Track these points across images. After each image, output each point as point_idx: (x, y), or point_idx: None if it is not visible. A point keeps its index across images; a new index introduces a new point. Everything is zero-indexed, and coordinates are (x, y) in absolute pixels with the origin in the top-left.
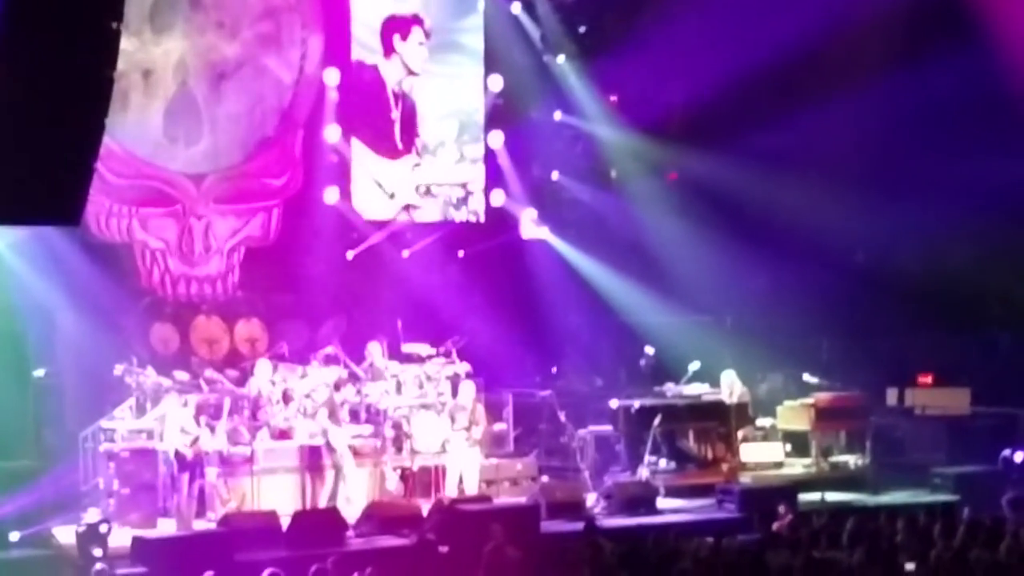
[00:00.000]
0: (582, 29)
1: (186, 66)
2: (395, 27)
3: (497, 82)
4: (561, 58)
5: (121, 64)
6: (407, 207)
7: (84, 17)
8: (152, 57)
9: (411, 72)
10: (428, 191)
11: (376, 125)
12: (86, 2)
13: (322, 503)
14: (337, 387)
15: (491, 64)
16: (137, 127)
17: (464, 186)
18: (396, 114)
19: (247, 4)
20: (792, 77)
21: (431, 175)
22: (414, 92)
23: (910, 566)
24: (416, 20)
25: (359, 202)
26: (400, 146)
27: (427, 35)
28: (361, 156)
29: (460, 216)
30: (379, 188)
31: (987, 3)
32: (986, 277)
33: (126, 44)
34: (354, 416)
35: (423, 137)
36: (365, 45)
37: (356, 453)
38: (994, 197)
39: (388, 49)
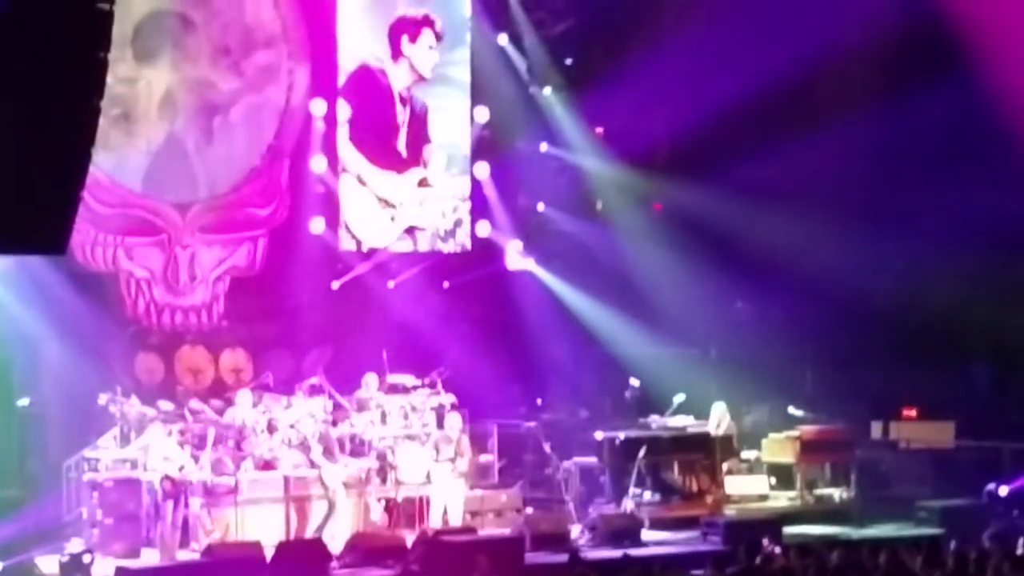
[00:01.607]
0: (568, 61)
1: (173, 96)
2: (404, 29)
3: (483, 113)
4: (547, 90)
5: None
6: (410, 230)
7: (71, 47)
8: (138, 86)
9: (421, 77)
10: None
11: (381, 134)
12: (73, 31)
13: (308, 534)
14: (335, 423)
15: (477, 95)
16: (123, 157)
17: (452, 217)
18: (403, 119)
19: (235, 35)
20: (777, 109)
21: (424, 202)
22: (418, 99)
23: None
24: (427, 22)
25: (359, 229)
26: (405, 155)
27: (438, 37)
28: (363, 169)
29: (448, 247)
30: (382, 209)
31: (973, 36)
32: (970, 310)
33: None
34: (339, 447)
35: (423, 152)
36: (371, 49)
37: (341, 484)
38: (978, 230)
39: (396, 52)
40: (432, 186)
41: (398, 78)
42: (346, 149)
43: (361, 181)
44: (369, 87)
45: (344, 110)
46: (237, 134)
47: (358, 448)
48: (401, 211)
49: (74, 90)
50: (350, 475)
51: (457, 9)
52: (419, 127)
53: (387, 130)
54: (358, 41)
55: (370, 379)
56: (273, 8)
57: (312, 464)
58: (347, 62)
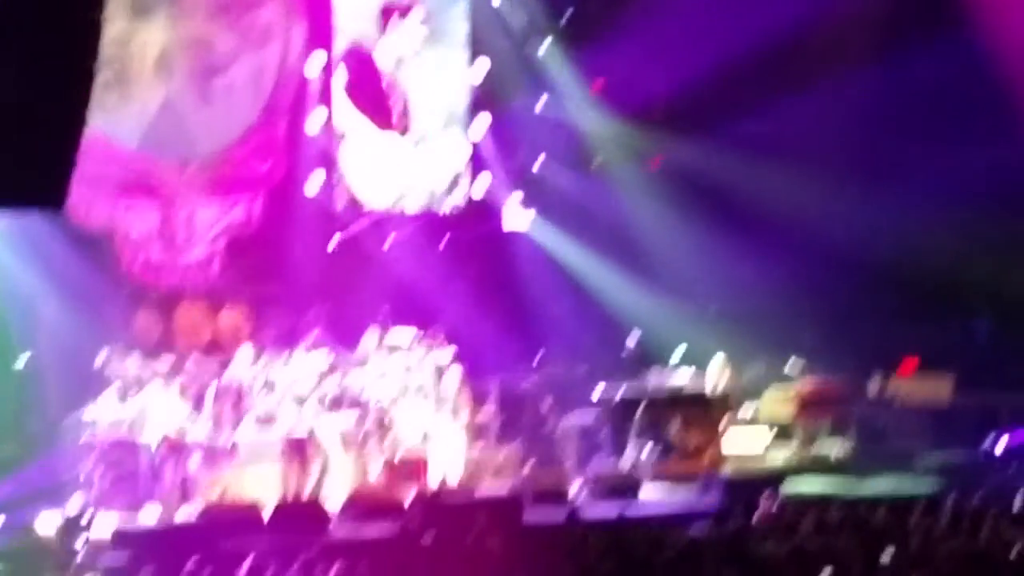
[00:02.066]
0: (567, 14)
1: (169, 54)
2: (391, 12)
3: (480, 69)
4: (544, 45)
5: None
6: (408, 188)
7: (67, 7)
8: (135, 44)
9: (406, 57)
10: (419, 180)
11: (376, 100)
12: None
13: (305, 493)
14: (324, 376)
15: (474, 51)
16: (120, 115)
17: (450, 175)
18: (393, 96)
19: None
20: (776, 65)
21: (421, 163)
22: (405, 79)
23: (892, 553)
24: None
25: (357, 188)
26: (401, 120)
27: (424, 19)
28: (363, 130)
29: (445, 206)
30: (382, 165)
31: None
32: (967, 264)
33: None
34: (337, 405)
35: (411, 125)
36: (358, 29)
37: (340, 442)
38: (976, 185)
39: (383, 31)
40: (429, 144)
41: (386, 57)
42: (344, 110)
43: (360, 140)
44: (361, 62)
45: (341, 77)
46: (234, 92)
47: (356, 405)
48: (399, 166)
49: (71, 49)
50: (347, 433)
51: None
52: (412, 87)
53: (382, 98)
54: (350, 17)
55: (369, 336)
56: None
57: (310, 421)
58: (340, 36)
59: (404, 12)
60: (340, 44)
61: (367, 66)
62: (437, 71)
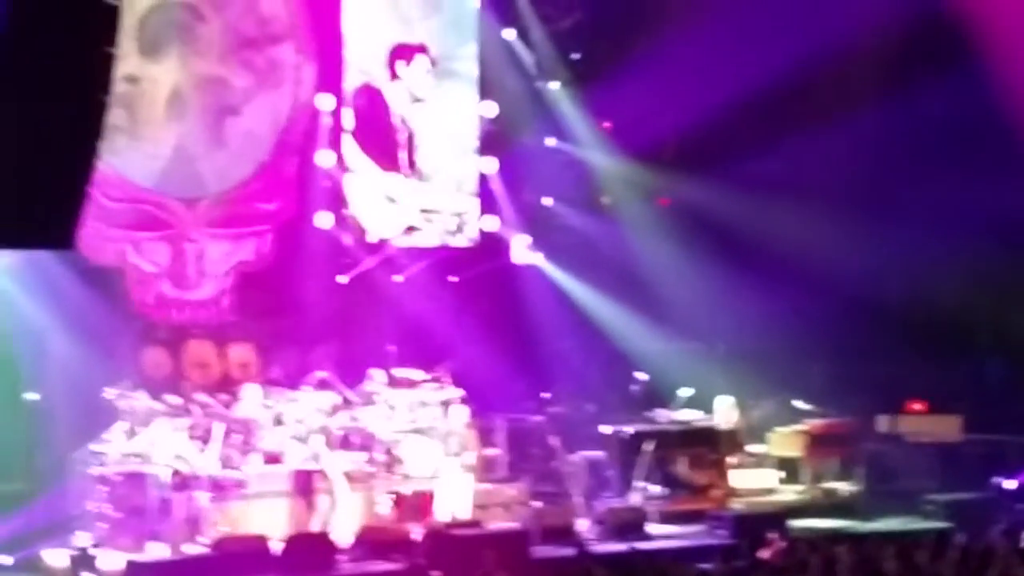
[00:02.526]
0: (576, 56)
1: (180, 91)
2: (400, 55)
3: (491, 108)
4: (555, 84)
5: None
6: (411, 229)
7: (79, 41)
8: (146, 81)
9: (416, 99)
10: (428, 218)
11: (382, 146)
12: (81, 27)
13: (314, 528)
14: (332, 413)
15: (485, 90)
16: (131, 152)
17: (460, 213)
18: (402, 137)
19: (242, 31)
20: (784, 104)
21: (430, 201)
22: (414, 119)
23: None
24: (421, 48)
25: (365, 221)
26: (408, 165)
27: (433, 63)
28: (369, 171)
29: (455, 242)
30: (389, 203)
31: (978, 30)
32: (977, 304)
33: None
34: (346, 441)
35: (419, 164)
36: (367, 70)
37: (348, 478)
38: (985, 224)
39: (392, 75)
40: (439, 182)
41: (396, 98)
42: (351, 152)
43: (369, 178)
44: (370, 103)
45: (349, 119)
46: (245, 131)
47: (365, 442)
48: (405, 205)
49: (82, 85)
50: (356, 469)
51: (463, 2)
52: (423, 127)
53: (391, 138)
54: (360, 58)
55: (376, 373)
56: (282, 5)
57: (316, 458)
58: (351, 77)
59: (415, 52)
60: (350, 83)
61: (377, 106)
62: (447, 110)
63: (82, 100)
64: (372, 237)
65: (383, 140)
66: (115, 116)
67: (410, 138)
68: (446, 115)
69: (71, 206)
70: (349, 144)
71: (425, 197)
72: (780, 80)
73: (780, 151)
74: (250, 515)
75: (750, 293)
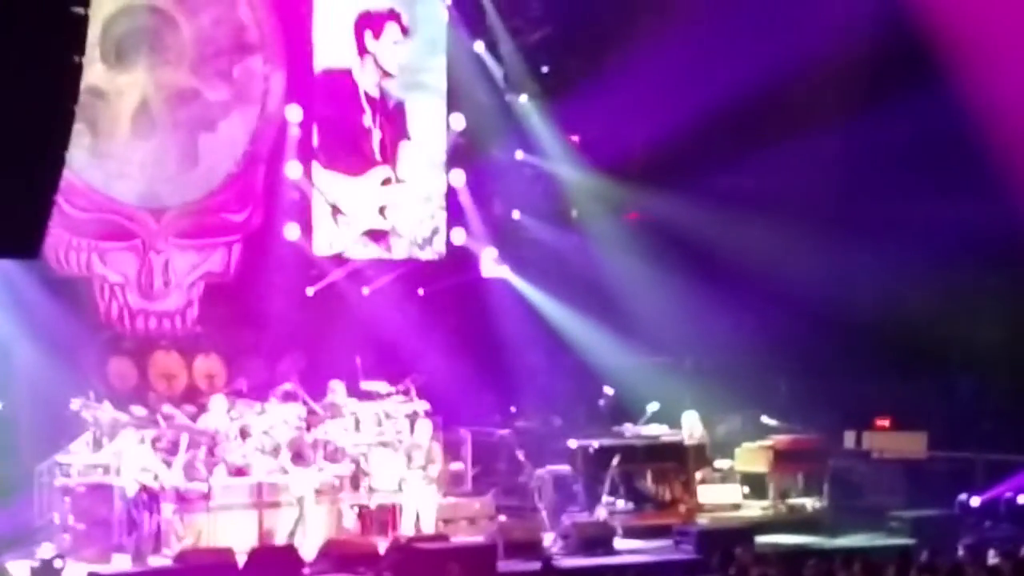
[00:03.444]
0: (545, 69)
1: (148, 100)
2: (367, 24)
3: (459, 121)
4: (523, 97)
5: (81, 97)
6: (382, 236)
7: (46, 50)
8: (113, 90)
9: (386, 73)
10: (396, 225)
11: (349, 139)
12: (48, 34)
13: (279, 541)
14: (308, 429)
15: (453, 102)
16: (98, 161)
17: (428, 218)
18: (370, 119)
19: (211, 41)
20: (753, 119)
21: (400, 200)
22: (385, 131)
23: None
24: (391, 15)
25: (316, 235)
26: (378, 157)
27: (404, 31)
28: (321, 181)
29: (423, 255)
30: (333, 220)
31: (948, 46)
32: (945, 321)
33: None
34: (311, 454)
35: (388, 160)
36: (334, 49)
37: (314, 491)
38: (954, 240)
39: (361, 49)
40: (407, 194)
41: (364, 77)
42: (321, 159)
43: (337, 189)
44: (334, 91)
45: (318, 126)
46: (213, 141)
47: (331, 455)
48: (377, 219)
49: (49, 94)
50: (322, 481)
51: (433, 14)
52: (394, 125)
53: (355, 134)
54: (325, 45)
55: (337, 385)
56: (250, 13)
57: (284, 470)
58: (319, 86)
59: (384, 21)
60: (319, 90)
61: (345, 116)
62: (416, 122)
63: (49, 109)
64: (341, 251)
65: (347, 133)
66: (81, 125)
67: (385, 117)
68: (415, 128)
69: (37, 215)
70: (319, 152)
71: (395, 208)
72: (750, 95)
73: (749, 166)
74: (215, 527)
75: (718, 308)
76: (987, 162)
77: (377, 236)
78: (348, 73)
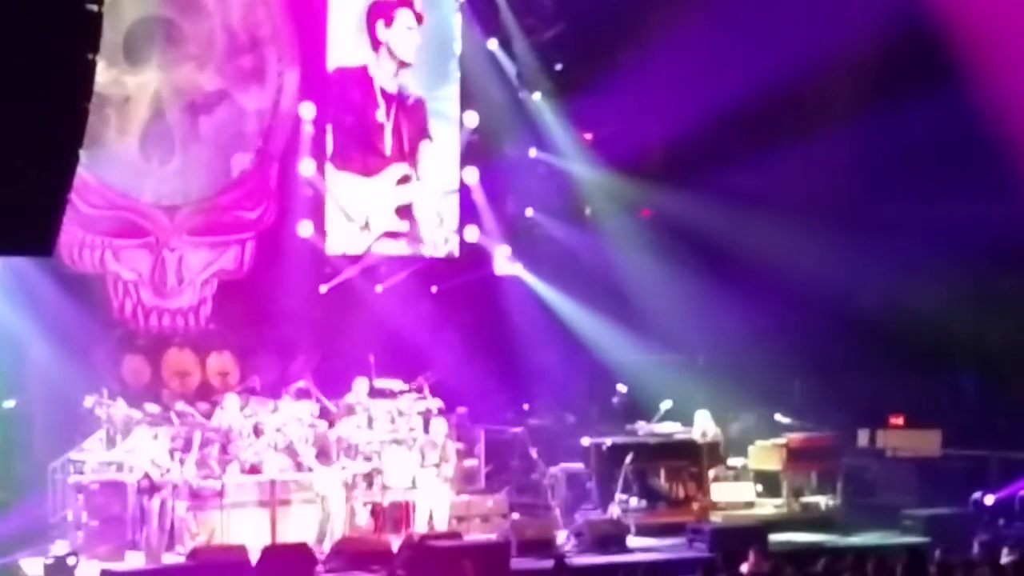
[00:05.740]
0: (558, 67)
1: (161, 99)
2: (379, 13)
3: (473, 118)
4: (537, 95)
5: (96, 95)
6: (387, 234)
7: (60, 47)
8: (127, 89)
9: (403, 63)
10: (410, 224)
11: (360, 135)
12: (62, 32)
13: (292, 538)
14: (331, 424)
15: (467, 100)
16: (111, 158)
17: (441, 222)
18: (383, 114)
19: (225, 38)
20: (766, 118)
21: (418, 193)
22: (399, 129)
23: None
24: (403, 2)
25: (329, 236)
26: (389, 152)
27: (418, 19)
28: (335, 184)
29: (437, 252)
30: (348, 219)
31: (959, 46)
32: (958, 319)
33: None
34: (325, 451)
35: (405, 155)
36: (348, 46)
37: (327, 488)
38: (966, 239)
39: (375, 42)
40: (421, 192)
41: (380, 70)
42: (334, 157)
43: (350, 186)
44: (348, 89)
45: (332, 123)
46: (227, 137)
47: (345, 452)
48: (391, 218)
49: (63, 91)
50: (335, 478)
51: (447, 14)
52: (413, 122)
53: (369, 131)
54: (339, 42)
55: (359, 383)
56: (264, 10)
57: (299, 468)
58: (332, 83)
59: (394, 8)
60: (332, 90)
61: (359, 114)
62: (431, 120)
63: (63, 106)
64: (354, 248)
65: (360, 130)
66: (96, 120)
67: (401, 111)
68: (429, 126)
69: (51, 213)
70: (332, 149)
71: (411, 194)
72: (762, 94)
73: (762, 165)
74: (228, 525)
75: (731, 306)
76: (999, 162)
77: (392, 235)
78: (363, 70)
